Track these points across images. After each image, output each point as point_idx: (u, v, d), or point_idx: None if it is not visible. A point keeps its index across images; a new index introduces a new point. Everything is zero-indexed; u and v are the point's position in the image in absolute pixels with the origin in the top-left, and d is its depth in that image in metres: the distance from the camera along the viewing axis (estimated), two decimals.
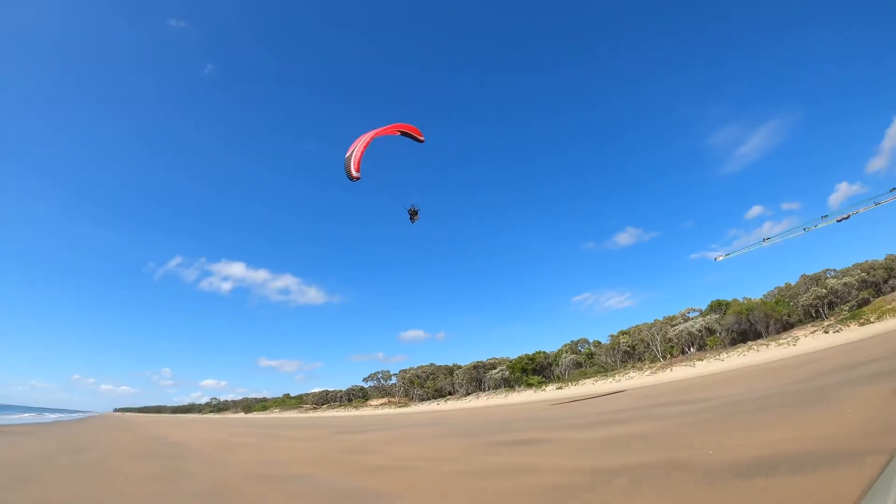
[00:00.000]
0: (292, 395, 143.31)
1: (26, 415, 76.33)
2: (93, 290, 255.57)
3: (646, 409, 19.89)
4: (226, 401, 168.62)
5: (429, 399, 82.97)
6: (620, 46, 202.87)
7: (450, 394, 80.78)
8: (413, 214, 19.52)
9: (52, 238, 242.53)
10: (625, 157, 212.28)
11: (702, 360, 57.94)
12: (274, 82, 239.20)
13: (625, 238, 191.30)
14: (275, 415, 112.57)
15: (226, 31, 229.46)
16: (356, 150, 16.82)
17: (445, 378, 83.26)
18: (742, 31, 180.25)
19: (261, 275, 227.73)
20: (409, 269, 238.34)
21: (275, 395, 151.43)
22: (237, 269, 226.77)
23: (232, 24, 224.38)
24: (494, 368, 74.32)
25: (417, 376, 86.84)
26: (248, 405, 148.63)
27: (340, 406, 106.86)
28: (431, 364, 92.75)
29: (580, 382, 64.35)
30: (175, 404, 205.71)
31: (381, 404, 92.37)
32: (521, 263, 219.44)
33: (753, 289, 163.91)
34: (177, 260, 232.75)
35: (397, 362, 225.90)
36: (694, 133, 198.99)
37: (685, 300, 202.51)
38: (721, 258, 68.59)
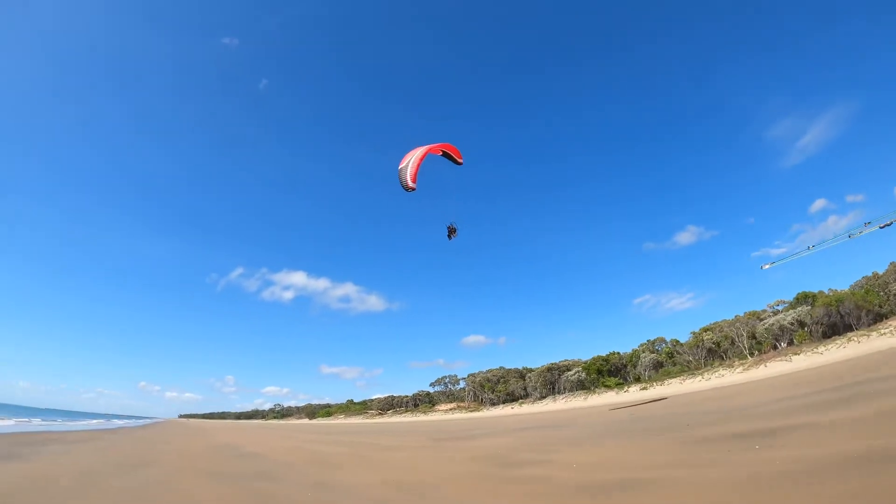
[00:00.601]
0: (355, 401, 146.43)
1: (93, 421, 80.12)
2: (158, 301, 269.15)
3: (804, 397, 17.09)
4: (289, 407, 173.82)
5: (500, 403, 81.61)
6: (672, 38, 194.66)
7: (522, 397, 79.11)
8: (451, 232, 19.70)
9: (116, 252, 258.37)
10: (683, 154, 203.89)
11: (798, 353, 53.53)
12: (326, 91, 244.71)
13: (686, 237, 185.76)
14: (341, 421, 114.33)
15: (276, 46, 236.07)
16: (411, 162, 17.13)
17: (517, 382, 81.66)
18: (793, 18, 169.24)
19: (322, 283, 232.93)
20: (469, 274, 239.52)
21: (337, 402, 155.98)
22: (298, 278, 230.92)
23: (281, 39, 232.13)
24: (569, 370, 72.07)
25: (488, 380, 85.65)
26: (311, 411, 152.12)
27: (406, 411, 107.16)
28: (501, 367, 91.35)
29: (665, 382, 61.07)
30: (238, 410, 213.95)
31: (449, 409, 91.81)
32: (582, 266, 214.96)
33: (817, 283, 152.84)
34: (238, 271, 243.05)
35: (458, 368, 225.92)
36: (752, 126, 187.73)
37: (748, 299, 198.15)
38: (767, 267, 65.11)
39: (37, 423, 53.71)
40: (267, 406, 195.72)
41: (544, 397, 73.62)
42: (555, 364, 75.30)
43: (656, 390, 59.15)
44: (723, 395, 31.13)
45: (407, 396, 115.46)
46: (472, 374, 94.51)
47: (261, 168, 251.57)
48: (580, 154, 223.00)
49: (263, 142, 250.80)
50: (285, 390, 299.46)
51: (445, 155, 19.04)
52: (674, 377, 62.47)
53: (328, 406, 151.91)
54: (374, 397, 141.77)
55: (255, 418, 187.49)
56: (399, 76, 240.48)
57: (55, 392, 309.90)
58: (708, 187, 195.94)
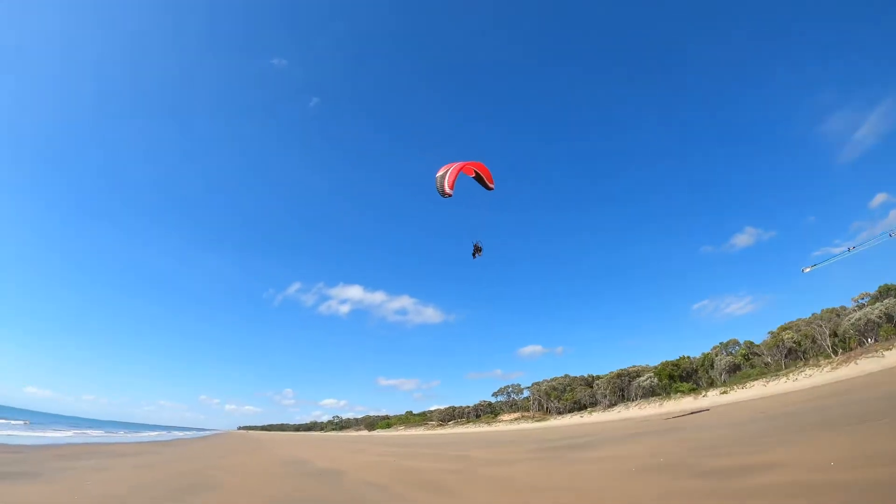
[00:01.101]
0: (414, 412, 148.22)
1: (151, 432, 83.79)
2: (217, 317, 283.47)
3: None
4: (347, 419, 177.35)
5: (566, 412, 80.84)
6: (716, 37, 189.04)
7: (591, 405, 78.08)
8: (477, 250, 19.84)
9: (175, 270, 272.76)
10: (737, 156, 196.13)
11: (890, 349, 50.81)
12: (376, 106, 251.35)
13: (743, 239, 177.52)
14: (403, 432, 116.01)
15: (325, 65, 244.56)
16: (450, 171, 17.59)
17: (584, 390, 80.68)
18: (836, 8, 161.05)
19: (378, 296, 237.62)
20: (525, 284, 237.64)
21: (394, 413, 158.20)
22: (355, 291, 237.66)
23: (330, 58, 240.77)
24: (640, 376, 70.67)
25: (554, 388, 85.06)
26: (371, 423, 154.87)
27: (468, 422, 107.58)
28: (566, 375, 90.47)
29: (746, 385, 58.92)
30: (297, 423, 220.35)
31: (514, 419, 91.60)
32: (639, 273, 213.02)
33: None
34: (295, 286, 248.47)
35: (516, 378, 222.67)
36: (803, 122, 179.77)
37: (810, 299, 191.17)
38: (808, 270, 62.56)
39: (93, 435, 55.12)
40: (325, 418, 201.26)
41: (614, 405, 72.37)
42: (624, 370, 73.94)
43: (737, 394, 57.18)
44: (822, 395, 29.83)
45: (468, 407, 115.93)
46: (537, 383, 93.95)
47: (315, 184, 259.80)
48: (631, 163, 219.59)
49: (316, 159, 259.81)
50: (343, 402, 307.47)
51: (477, 178, 19.38)
52: (754, 379, 60.09)
53: (387, 417, 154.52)
54: (433, 408, 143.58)
55: (314, 430, 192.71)
56: (455, 84, 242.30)
57: (117, 405, 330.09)
58: (764, 187, 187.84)
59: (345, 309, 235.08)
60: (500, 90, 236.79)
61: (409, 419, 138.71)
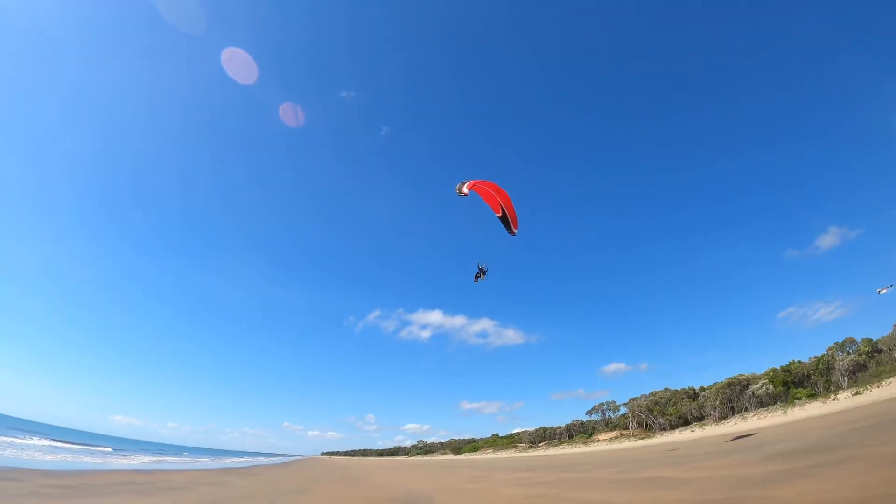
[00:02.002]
0: (500, 434, 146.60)
1: (235, 459, 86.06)
2: (299, 346, 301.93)
3: None
4: (432, 443, 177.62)
5: (670, 428, 77.26)
6: (789, 27, 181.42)
7: (697, 419, 74.25)
8: (480, 273, 19.70)
9: (258, 303, 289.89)
10: (813, 150, 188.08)
11: None
12: (445, 130, 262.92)
13: (828, 240, 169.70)
14: (493, 455, 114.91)
15: (392, 93, 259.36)
16: (478, 183, 18.20)
17: (689, 403, 76.97)
18: None
19: (458, 320, 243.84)
20: (604, 302, 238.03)
21: (478, 437, 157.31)
22: (435, 316, 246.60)
23: (396, 88, 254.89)
24: (754, 384, 66.52)
25: (656, 403, 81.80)
26: (456, 447, 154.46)
27: (560, 443, 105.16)
28: (666, 389, 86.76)
29: (882, 383, 54.14)
30: (379, 448, 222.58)
31: (612, 438, 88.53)
32: (720, 283, 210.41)
33: None
34: (375, 313, 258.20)
35: (599, 397, 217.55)
36: (882, 108, 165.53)
37: None
38: (884, 291, 56.70)
39: (171, 461, 53.49)
40: (407, 443, 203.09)
41: (725, 417, 68.48)
42: (734, 379, 69.87)
43: (873, 393, 52.61)
44: None
45: (559, 427, 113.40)
46: (634, 399, 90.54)
47: (390, 211, 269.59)
48: (710, 167, 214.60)
49: (390, 186, 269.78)
50: (426, 427, 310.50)
51: (503, 218, 19.06)
52: (889, 376, 55.12)
53: (472, 441, 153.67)
54: (520, 430, 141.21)
55: (398, 455, 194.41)
56: (516, 108, 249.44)
57: (202, 432, 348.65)
58: (845, 183, 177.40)
59: (426, 334, 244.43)
60: (568, 95, 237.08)
61: (498, 442, 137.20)
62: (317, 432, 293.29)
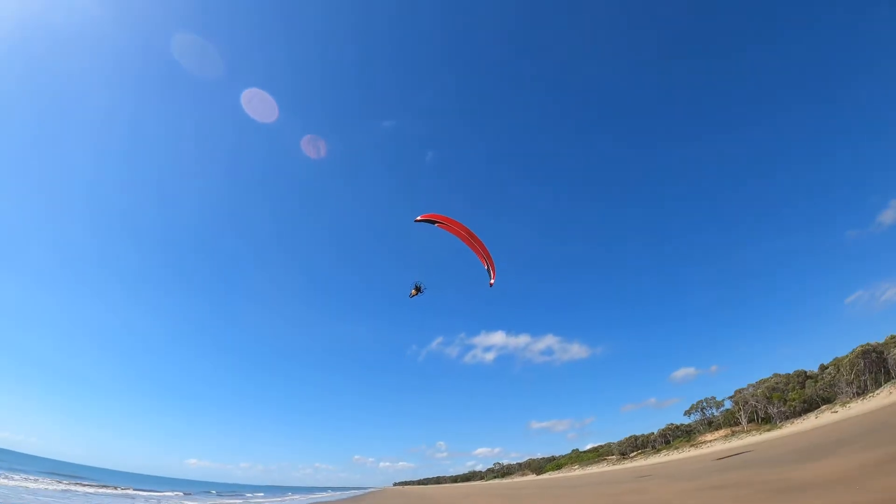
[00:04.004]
0: (580, 450, 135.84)
1: (295, 495, 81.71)
2: (365, 378, 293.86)
3: None
4: (509, 465, 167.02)
5: (793, 416, 66.16)
6: None
7: (825, 401, 63.01)
8: (416, 291, 20.98)
9: (321, 342, 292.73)
10: (862, 120, 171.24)
11: None
12: (493, 146, 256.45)
13: (890, 214, 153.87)
14: (581, 472, 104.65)
15: (433, 118, 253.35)
16: (438, 217, 19.93)
17: (813, 384, 65.70)
18: None
19: (522, 340, 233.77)
20: (665, 306, 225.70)
21: (550, 455, 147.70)
22: (497, 338, 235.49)
23: (441, 115, 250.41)
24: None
25: (774, 388, 70.77)
26: (538, 466, 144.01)
27: (658, 451, 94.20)
28: (775, 374, 75.90)
29: None
30: (452, 474, 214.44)
31: (723, 436, 77.77)
32: (782, 273, 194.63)
33: None
34: (438, 340, 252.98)
35: (670, 406, 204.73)
36: None
37: None
38: None
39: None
40: (479, 467, 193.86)
41: (863, 392, 57.40)
42: (870, 345, 58.96)
43: None
44: None
45: (653, 434, 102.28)
46: (739, 390, 79.86)
47: (443, 234, 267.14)
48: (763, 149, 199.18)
49: (443, 209, 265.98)
50: (496, 450, 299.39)
51: (488, 266, 21.20)
52: None
53: (553, 458, 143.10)
54: (594, 445, 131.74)
55: (473, 480, 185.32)
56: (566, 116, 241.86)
57: (274, 470, 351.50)
58: None
59: (489, 356, 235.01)
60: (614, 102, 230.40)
61: (582, 457, 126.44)
62: (388, 463, 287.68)
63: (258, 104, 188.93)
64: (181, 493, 60.47)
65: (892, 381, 53.38)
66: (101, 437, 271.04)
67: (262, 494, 76.27)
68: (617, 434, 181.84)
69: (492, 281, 21.87)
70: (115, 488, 56.32)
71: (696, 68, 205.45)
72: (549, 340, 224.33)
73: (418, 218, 20.52)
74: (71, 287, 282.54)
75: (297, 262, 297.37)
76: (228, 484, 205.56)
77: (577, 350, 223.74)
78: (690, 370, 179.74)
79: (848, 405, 54.64)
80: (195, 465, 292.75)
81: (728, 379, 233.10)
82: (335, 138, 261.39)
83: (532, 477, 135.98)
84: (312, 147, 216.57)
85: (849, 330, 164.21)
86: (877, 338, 63.02)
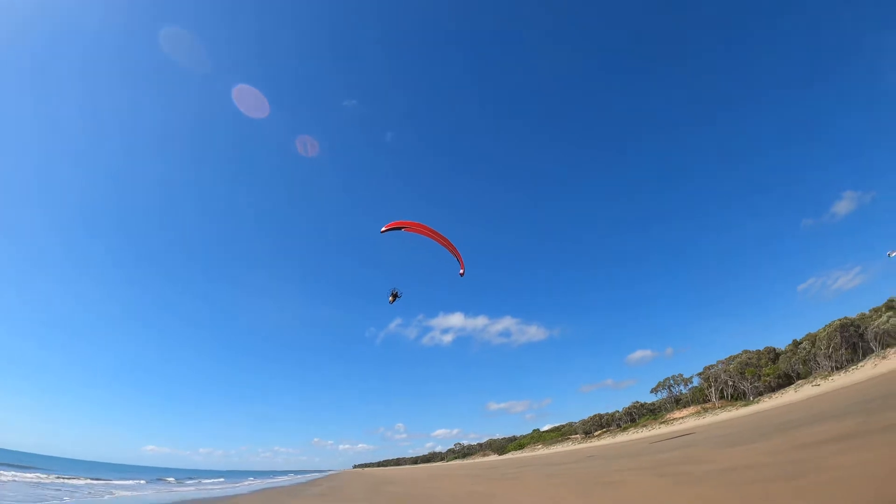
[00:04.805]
0: (540, 430, 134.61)
1: (250, 480, 76.91)
2: (322, 362, 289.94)
3: None
4: (470, 445, 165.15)
5: (767, 392, 64.92)
6: None
7: (800, 376, 61.88)
8: (394, 297, 21.99)
9: (278, 322, 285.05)
10: (823, 115, 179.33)
11: None
12: (455, 132, 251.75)
13: (844, 206, 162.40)
14: (546, 451, 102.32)
15: (394, 103, 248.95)
16: (403, 223, 21.11)
17: (789, 357, 64.41)
18: None
19: (480, 321, 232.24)
20: (623, 289, 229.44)
21: (508, 436, 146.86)
22: (456, 319, 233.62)
23: (398, 97, 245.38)
24: (876, 319, 54.18)
25: (747, 364, 69.23)
26: (499, 446, 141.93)
27: (625, 429, 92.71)
28: (745, 351, 74.78)
29: None
30: (412, 455, 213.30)
31: (693, 413, 76.23)
32: (740, 260, 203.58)
33: None
34: (396, 322, 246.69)
35: (628, 387, 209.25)
36: (882, 67, 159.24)
37: None
38: (894, 254, 49.52)
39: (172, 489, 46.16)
40: (438, 448, 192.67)
41: (842, 367, 56.20)
42: (848, 319, 57.76)
43: None
44: None
45: (618, 412, 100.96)
46: (709, 366, 78.59)
47: (401, 216, 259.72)
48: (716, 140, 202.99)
49: (400, 192, 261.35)
50: (455, 431, 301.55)
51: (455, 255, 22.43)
52: None
53: (514, 438, 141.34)
54: (547, 426, 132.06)
55: (434, 461, 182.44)
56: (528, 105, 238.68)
57: (234, 454, 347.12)
58: (855, 144, 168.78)
59: (448, 338, 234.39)
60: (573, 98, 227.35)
61: (545, 437, 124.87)
62: (347, 446, 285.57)
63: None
64: (143, 482, 54.68)
65: (875, 353, 51.99)
66: (54, 425, 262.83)
67: (222, 480, 71.29)
68: (575, 415, 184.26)
69: (462, 271, 22.97)
70: (75, 479, 49.81)
71: (656, 65, 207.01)
72: (507, 322, 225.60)
73: (384, 228, 21.04)
74: (18, 267, 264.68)
75: (252, 243, 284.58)
76: (187, 470, 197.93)
77: (535, 332, 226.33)
78: (647, 352, 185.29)
79: (830, 378, 52.96)
80: (153, 452, 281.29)
81: (683, 361, 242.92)
82: (291, 114, 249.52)
83: (494, 457, 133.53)
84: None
85: (801, 316, 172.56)
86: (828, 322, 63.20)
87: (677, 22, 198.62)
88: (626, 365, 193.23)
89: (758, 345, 76.44)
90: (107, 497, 29.08)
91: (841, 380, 50.62)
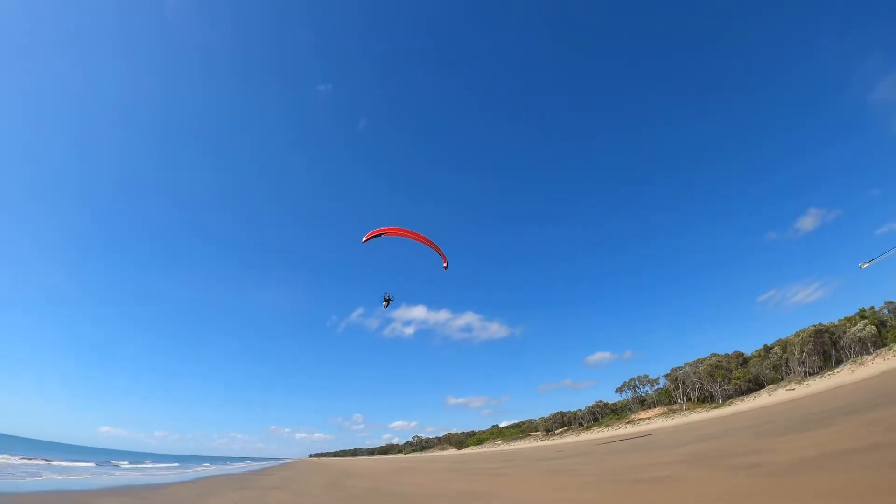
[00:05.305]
0: (500, 426, 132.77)
1: (205, 466, 72.55)
2: (281, 348, 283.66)
3: None
4: (428, 438, 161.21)
5: (737, 395, 64.44)
6: (759, 19, 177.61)
7: (772, 381, 61.53)
8: (387, 302, 23.63)
9: (238, 306, 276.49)
10: (791, 134, 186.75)
11: None
12: (427, 121, 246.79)
13: (808, 222, 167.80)
14: (506, 447, 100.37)
15: (369, 88, 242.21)
16: (382, 230, 21.48)
17: (759, 363, 64.12)
18: None
19: (442, 315, 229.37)
20: (586, 292, 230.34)
21: (464, 431, 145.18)
22: (418, 312, 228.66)
23: (372, 81, 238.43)
24: (853, 326, 54.05)
25: (718, 367, 68.59)
26: (459, 441, 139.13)
27: (588, 427, 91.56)
28: (713, 354, 74.40)
29: None
30: (368, 447, 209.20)
31: (658, 415, 75.46)
32: (703, 269, 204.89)
33: None
34: (358, 311, 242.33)
35: (585, 387, 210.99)
36: (855, 91, 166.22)
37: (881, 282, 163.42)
38: (865, 265, 51.11)
39: (122, 471, 43.83)
40: (395, 441, 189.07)
41: (814, 373, 55.99)
42: (823, 326, 57.55)
43: None
44: None
45: (580, 411, 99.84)
46: (675, 368, 77.80)
47: (370, 206, 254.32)
48: (687, 156, 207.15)
49: (370, 179, 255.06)
50: (413, 424, 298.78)
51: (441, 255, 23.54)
52: None
53: (473, 434, 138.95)
54: (508, 422, 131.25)
55: (391, 453, 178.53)
56: (503, 100, 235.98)
57: (190, 439, 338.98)
58: (822, 165, 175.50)
59: (409, 330, 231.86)
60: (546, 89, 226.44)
61: (504, 433, 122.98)
62: (304, 434, 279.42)
63: None
64: (93, 464, 50.47)
65: (852, 359, 51.70)
66: (9, 403, 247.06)
67: (176, 465, 67.07)
68: (532, 412, 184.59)
69: (445, 265, 23.83)
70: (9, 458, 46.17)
71: (634, 64, 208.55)
72: (469, 318, 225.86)
73: (364, 239, 21.57)
74: None
75: (213, 225, 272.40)
76: (142, 453, 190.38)
77: (497, 329, 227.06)
78: (606, 354, 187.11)
79: (805, 383, 52.39)
80: (108, 433, 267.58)
81: (642, 364, 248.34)
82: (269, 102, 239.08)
83: (452, 451, 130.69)
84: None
85: (758, 326, 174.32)
86: (785, 335, 64.17)
87: (641, 34, 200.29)
88: (584, 366, 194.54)
89: (716, 350, 76.54)
90: (28, 479, 24.77)
91: (816, 384, 50.03)
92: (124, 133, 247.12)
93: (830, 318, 62.79)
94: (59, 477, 28.05)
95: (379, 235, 21.60)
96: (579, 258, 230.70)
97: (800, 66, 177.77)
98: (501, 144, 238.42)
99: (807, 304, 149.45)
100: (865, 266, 50.90)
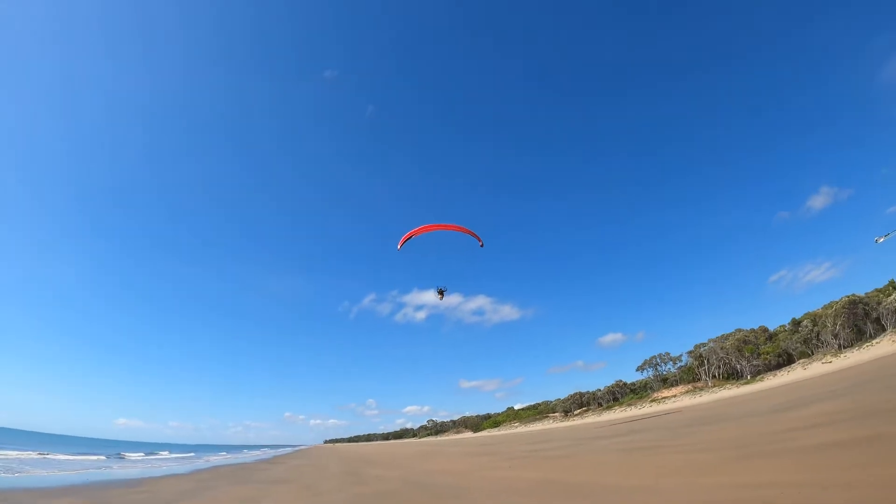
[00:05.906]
0: (515, 408, 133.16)
1: (221, 455, 73.45)
2: (295, 335, 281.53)
3: None
4: (444, 422, 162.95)
5: (770, 369, 63.58)
6: None
7: (804, 354, 60.65)
8: (441, 294, 23.35)
9: (250, 295, 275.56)
10: (804, 112, 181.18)
11: None
12: (434, 104, 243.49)
13: (820, 201, 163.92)
14: (524, 429, 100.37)
15: (377, 74, 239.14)
16: (413, 232, 22.15)
17: (789, 336, 63.33)
18: None
19: (453, 299, 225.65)
20: (597, 272, 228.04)
21: (477, 414, 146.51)
22: (429, 297, 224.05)
23: (381, 67, 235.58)
24: (889, 296, 53.10)
25: (745, 341, 67.85)
26: (475, 424, 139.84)
27: (609, 408, 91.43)
28: (738, 329, 73.68)
29: None
30: (382, 432, 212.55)
31: (682, 392, 74.99)
32: (714, 249, 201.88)
33: None
34: (370, 297, 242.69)
35: (598, 369, 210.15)
36: (864, 68, 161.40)
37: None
38: (881, 240, 49.74)
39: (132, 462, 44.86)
40: (409, 425, 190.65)
41: (848, 346, 55.14)
42: (857, 297, 56.50)
43: None
44: None
45: (599, 391, 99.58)
46: (699, 344, 77.18)
47: (377, 192, 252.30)
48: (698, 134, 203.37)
49: (381, 164, 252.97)
50: (426, 408, 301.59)
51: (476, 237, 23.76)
52: None
53: (489, 416, 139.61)
54: (520, 404, 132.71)
55: (405, 437, 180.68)
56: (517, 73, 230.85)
57: (206, 428, 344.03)
58: (834, 143, 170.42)
59: (421, 315, 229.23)
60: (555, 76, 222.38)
61: (521, 415, 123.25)
62: (318, 421, 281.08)
63: None
64: (103, 458, 50.11)
65: (892, 329, 50.76)
66: (25, 398, 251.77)
67: (192, 454, 67.92)
68: (546, 394, 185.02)
69: (481, 244, 23.95)
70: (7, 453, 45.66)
71: (645, 33, 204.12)
72: (481, 301, 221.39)
73: (399, 245, 22.60)
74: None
75: (227, 213, 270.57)
76: (157, 444, 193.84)
77: (509, 311, 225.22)
78: (618, 336, 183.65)
79: (842, 355, 51.57)
80: (124, 425, 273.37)
81: (654, 345, 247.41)
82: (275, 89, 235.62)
83: (469, 434, 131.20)
84: None
85: (770, 306, 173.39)
86: (796, 315, 64.44)
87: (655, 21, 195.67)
88: (597, 347, 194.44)
89: (729, 330, 76.10)
90: (16, 474, 24.29)
91: (854, 356, 49.17)
92: (112, 125, 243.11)
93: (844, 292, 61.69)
94: (50, 472, 26.33)
95: (411, 238, 22.22)
96: (592, 241, 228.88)
97: (809, 44, 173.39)
98: (517, 121, 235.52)
99: (819, 283, 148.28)
100: (882, 240, 49.77)
